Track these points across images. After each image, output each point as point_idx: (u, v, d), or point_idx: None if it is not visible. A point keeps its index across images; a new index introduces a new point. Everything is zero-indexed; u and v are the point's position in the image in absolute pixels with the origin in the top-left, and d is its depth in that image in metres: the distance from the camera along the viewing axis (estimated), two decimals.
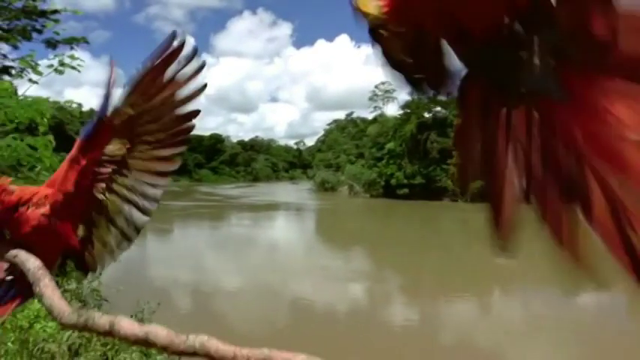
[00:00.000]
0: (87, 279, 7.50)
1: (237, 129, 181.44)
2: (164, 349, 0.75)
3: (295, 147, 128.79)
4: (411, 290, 14.15)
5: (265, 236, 25.82)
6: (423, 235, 27.35)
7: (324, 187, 66.77)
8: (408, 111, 56.96)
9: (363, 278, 15.03)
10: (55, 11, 9.79)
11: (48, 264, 0.98)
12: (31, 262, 0.96)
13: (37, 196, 1.06)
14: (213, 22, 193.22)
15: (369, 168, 59.13)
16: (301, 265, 17.32)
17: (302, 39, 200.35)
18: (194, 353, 0.73)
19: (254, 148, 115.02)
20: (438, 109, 55.70)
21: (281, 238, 25.70)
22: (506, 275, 16.37)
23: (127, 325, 0.79)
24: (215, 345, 0.73)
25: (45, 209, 1.05)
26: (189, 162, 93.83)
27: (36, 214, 1.04)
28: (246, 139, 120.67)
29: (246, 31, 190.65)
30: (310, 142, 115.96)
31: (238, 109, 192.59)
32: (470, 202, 48.62)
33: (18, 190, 1.07)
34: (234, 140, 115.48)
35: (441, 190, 51.33)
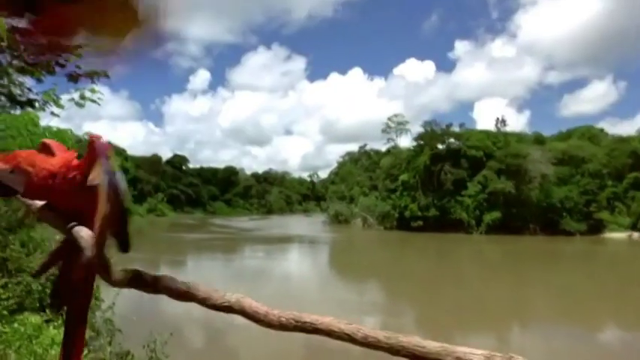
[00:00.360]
0: (100, 309, 7.50)
1: (252, 161, 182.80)
2: (203, 302, 0.85)
3: (309, 179, 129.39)
4: (426, 324, 13.83)
5: (279, 269, 25.63)
6: (438, 268, 26.88)
7: (338, 220, 66.51)
8: (422, 142, 57.14)
9: (377, 311, 14.75)
10: (78, 46, 10.21)
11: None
12: (83, 232, 1.10)
13: (67, 166, 1.17)
14: (229, 57, 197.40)
15: (382, 200, 58.92)
16: (315, 298, 17.09)
17: (316, 72, 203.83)
18: (229, 308, 0.83)
19: (268, 180, 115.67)
20: (452, 140, 55.79)
21: (295, 270, 25.50)
22: (524, 309, 15.96)
23: (171, 281, 0.90)
24: (249, 302, 0.82)
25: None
26: (204, 194, 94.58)
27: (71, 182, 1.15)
28: (260, 171, 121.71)
29: (260, 66, 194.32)
30: (324, 174, 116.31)
31: (252, 142, 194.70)
32: (485, 234, 48.09)
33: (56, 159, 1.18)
34: (248, 173, 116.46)
35: (456, 222, 50.76)
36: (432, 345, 0.73)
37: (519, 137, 56.01)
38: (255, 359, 10.41)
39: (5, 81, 9.59)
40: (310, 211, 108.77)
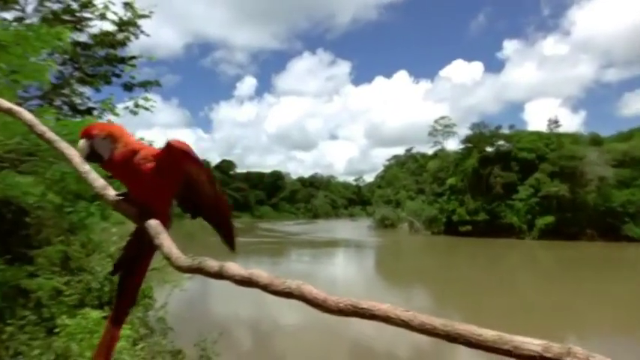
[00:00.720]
0: (154, 308, 7.81)
1: (297, 166, 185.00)
2: (265, 288, 0.88)
3: (354, 183, 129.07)
4: None
5: (325, 273, 25.70)
6: (488, 274, 26.08)
7: (384, 224, 65.93)
8: (470, 145, 55.76)
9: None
10: (133, 57, 10.77)
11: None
12: (152, 220, 1.20)
13: (149, 150, 1.27)
14: (274, 63, 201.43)
15: (429, 204, 57.91)
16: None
17: (360, 76, 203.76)
18: (290, 293, 0.86)
19: (314, 184, 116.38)
20: (501, 142, 54.11)
21: (341, 275, 25.49)
22: (580, 321, 15.22)
23: (234, 268, 0.95)
24: (309, 289, 0.85)
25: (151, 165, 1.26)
26: (251, 199, 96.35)
27: (147, 167, 1.25)
28: (306, 176, 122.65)
29: (305, 71, 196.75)
30: (369, 178, 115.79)
31: (298, 147, 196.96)
32: (537, 240, 46.18)
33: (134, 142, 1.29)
34: (294, 177, 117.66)
35: (506, 227, 49.12)
36: (488, 333, 0.74)
37: (574, 138, 53.42)
38: (299, 358, 10.49)
39: (67, 91, 10.22)
40: (356, 215, 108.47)
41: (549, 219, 46.43)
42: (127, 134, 1.29)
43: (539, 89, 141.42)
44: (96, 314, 5.68)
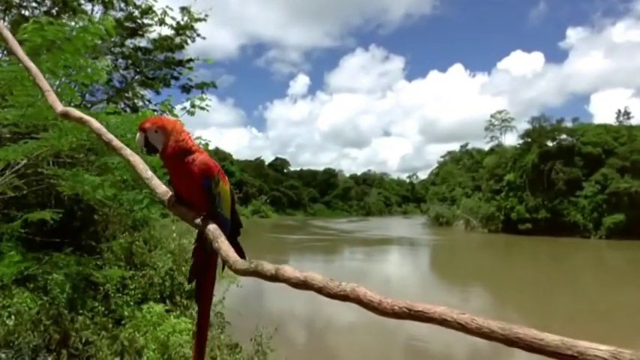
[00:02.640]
0: (211, 303, 8.05)
1: (350, 163, 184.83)
2: (319, 290, 0.89)
3: (408, 180, 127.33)
4: None
5: (379, 271, 25.52)
6: (550, 274, 24.90)
7: (439, 222, 64.62)
8: (529, 140, 53.46)
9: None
10: (190, 60, 11.16)
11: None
12: (211, 225, 1.26)
13: (196, 148, 1.35)
14: (327, 60, 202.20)
15: (486, 201, 56.07)
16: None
17: (414, 71, 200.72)
18: (345, 296, 0.86)
19: (366, 182, 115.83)
20: (564, 136, 51.49)
21: (395, 273, 25.22)
22: None
23: (290, 271, 0.96)
24: (364, 291, 0.86)
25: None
26: (304, 196, 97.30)
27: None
28: (359, 173, 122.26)
29: (358, 68, 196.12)
30: (423, 175, 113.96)
31: (351, 144, 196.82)
32: (605, 239, 43.52)
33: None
34: (347, 175, 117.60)
35: (570, 225, 46.70)
36: (550, 338, 0.70)
37: None
38: (352, 357, 10.47)
39: (130, 94, 10.74)
40: (409, 212, 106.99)
41: (619, 217, 43.62)
42: (181, 130, 1.34)
43: (607, 79, 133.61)
44: (159, 307, 5.94)
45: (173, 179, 1.38)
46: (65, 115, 1.78)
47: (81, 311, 5.53)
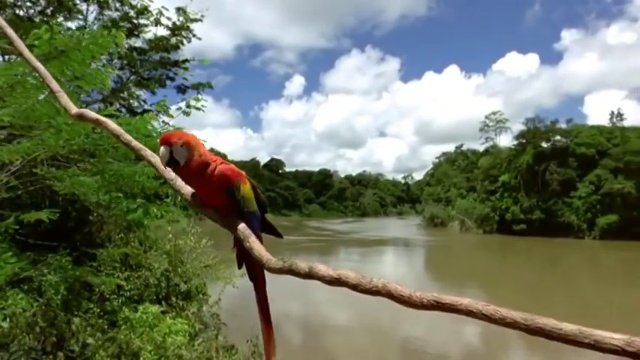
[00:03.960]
0: (207, 304, 8.03)
1: (346, 164, 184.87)
2: (354, 287, 0.93)
3: (403, 181, 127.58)
4: (533, 337, 12.90)
5: (375, 272, 25.41)
6: (545, 275, 25.04)
7: (434, 222, 64.78)
8: (524, 141, 53.72)
9: (478, 320, 14.03)
10: (186, 60, 11.14)
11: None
12: (240, 224, 1.28)
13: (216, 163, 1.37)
14: (323, 61, 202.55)
15: (481, 202, 56.28)
16: None
17: (410, 72, 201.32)
18: (378, 292, 0.91)
19: (362, 182, 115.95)
20: (558, 137, 51.76)
21: (391, 274, 25.24)
22: None
23: (323, 269, 0.99)
24: (394, 286, 0.91)
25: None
26: (299, 197, 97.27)
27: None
28: (354, 174, 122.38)
29: (354, 68, 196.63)
30: (419, 176, 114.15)
31: (347, 145, 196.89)
32: (599, 240, 43.77)
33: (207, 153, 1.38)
34: (343, 175, 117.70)
35: (564, 226, 46.94)
36: (569, 327, 0.76)
37: None
38: (349, 357, 10.46)
39: (125, 94, 10.70)
40: (404, 213, 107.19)
41: (612, 218, 43.90)
42: (201, 144, 1.37)
43: (601, 81, 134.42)
44: (155, 309, 5.91)
45: (195, 189, 1.40)
46: (81, 117, 1.76)
47: (76, 313, 5.50)
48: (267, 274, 1.36)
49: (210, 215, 1.38)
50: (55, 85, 1.86)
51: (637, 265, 29.34)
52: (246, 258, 1.42)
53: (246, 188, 1.39)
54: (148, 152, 1.55)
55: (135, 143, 1.58)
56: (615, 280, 23.52)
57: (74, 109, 1.75)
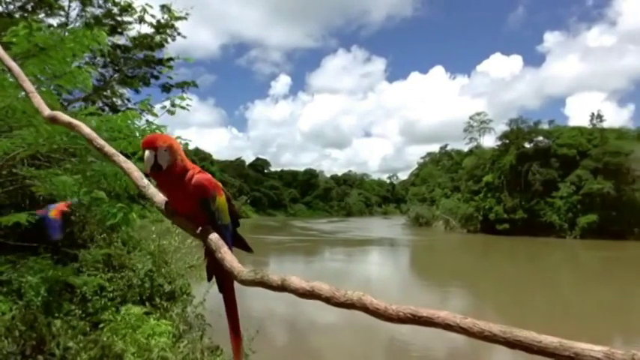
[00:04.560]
0: (192, 305, 7.95)
1: (331, 164, 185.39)
2: (327, 300, 0.91)
3: (388, 181, 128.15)
4: None
5: (359, 272, 25.60)
6: (527, 274, 25.36)
7: (419, 222, 65.18)
8: (507, 141, 54.40)
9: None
10: (170, 59, 11.03)
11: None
12: (213, 235, 1.25)
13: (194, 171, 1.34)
14: (309, 61, 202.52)
15: (465, 202, 56.81)
16: (397, 302, 16.78)
17: (395, 73, 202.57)
18: (352, 305, 0.89)
19: (347, 182, 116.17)
20: (540, 138, 52.52)
21: (375, 274, 25.34)
22: (626, 321, 14.59)
23: (296, 281, 0.97)
24: (369, 300, 0.88)
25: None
26: (285, 197, 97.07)
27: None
28: (340, 173, 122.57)
29: (340, 68, 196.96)
30: (403, 176, 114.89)
31: (332, 145, 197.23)
32: (580, 239, 44.54)
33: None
34: (328, 175, 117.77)
35: (546, 226, 47.65)
36: (548, 340, 0.74)
37: (619, 133, 51.19)
38: (334, 357, 10.47)
39: (108, 93, 10.56)
40: (390, 213, 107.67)
41: (592, 217, 44.69)
42: (180, 149, 1.34)
43: (582, 83, 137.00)
44: (137, 310, 5.82)
45: (169, 196, 1.36)
46: (53, 120, 1.71)
47: (57, 315, 5.39)
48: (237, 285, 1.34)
49: (182, 225, 1.35)
50: (28, 85, 1.82)
51: (615, 263, 29.92)
52: (216, 269, 1.40)
53: (221, 200, 1.36)
54: (121, 158, 1.52)
55: (108, 148, 1.54)
56: (594, 279, 23.95)
57: (47, 111, 1.71)
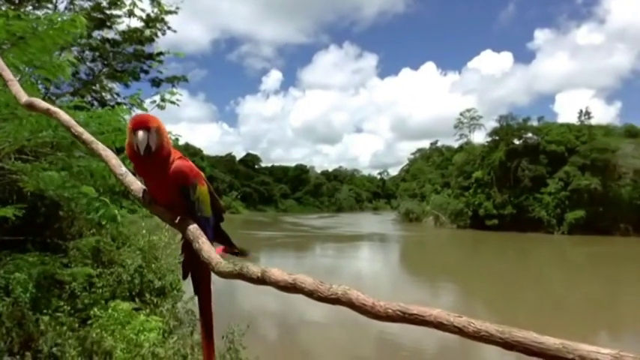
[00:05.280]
0: (182, 300, 7.92)
1: (322, 160, 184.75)
2: (310, 294, 0.85)
3: (379, 177, 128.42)
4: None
5: (350, 267, 25.67)
6: (516, 269, 25.63)
7: (409, 218, 65.43)
8: (496, 138, 54.72)
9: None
10: (160, 53, 10.93)
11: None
12: (191, 225, 1.20)
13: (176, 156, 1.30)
14: (300, 56, 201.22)
15: (455, 198, 57.12)
16: (387, 298, 16.86)
17: (387, 69, 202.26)
18: (337, 300, 0.82)
19: (338, 178, 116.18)
20: (530, 135, 52.92)
21: (366, 269, 25.42)
22: (613, 316, 14.80)
23: (277, 273, 0.91)
24: (356, 294, 0.82)
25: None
26: (275, 192, 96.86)
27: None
28: (331, 169, 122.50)
29: (331, 64, 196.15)
30: (394, 171, 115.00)
31: (323, 141, 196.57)
32: (567, 234, 45.05)
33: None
34: (319, 171, 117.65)
35: (534, 221, 48.08)
36: (550, 341, 0.69)
37: (606, 130, 51.81)
38: (325, 353, 10.51)
39: (98, 87, 10.44)
40: (380, 209, 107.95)
41: (580, 213, 45.19)
42: (166, 131, 1.28)
43: (571, 80, 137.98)
44: (126, 306, 5.78)
45: (148, 183, 1.30)
46: (30, 106, 1.68)
47: (45, 311, 5.33)
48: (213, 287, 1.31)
49: (160, 214, 1.30)
50: (7, 73, 1.78)
51: (602, 259, 30.32)
52: (193, 266, 1.34)
53: (202, 190, 1.30)
54: (99, 145, 1.47)
55: (87, 136, 1.50)
56: (581, 274, 24.24)
57: (24, 98, 1.68)
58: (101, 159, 1.46)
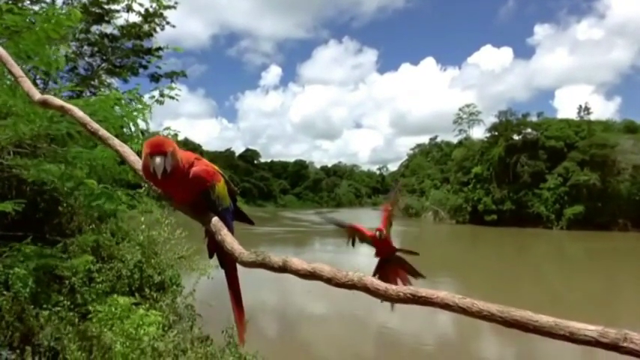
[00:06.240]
0: (181, 295, 7.94)
1: (322, 155, 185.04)
2: (328, 281, 0.92)
3: (378, 172, 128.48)
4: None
5: (350, 262, 25.65)
6: (515, 264, 25.69)
7: (408, 213, 65.48)
8: (496, 133, 54.73)
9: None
10: (159, 48, 10.89)
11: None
12: (213, 218, 1.26)
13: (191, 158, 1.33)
14: (300, 52, 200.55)
15: (454, 193, 57.20)
16: None
17: (386, 64, 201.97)
18: (353, 285, 0.90)
19: (337, 173, 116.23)
20: (529, 130, 52.92)
21: (366, 264, 25.41)
22: (612, 311, 14.86)
23: (297, 262, 0.98)
24: (370, 280, 0.90)
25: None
26: (275, 188, 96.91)
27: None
28: (330, 165, 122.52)
29: (331, 59, 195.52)
30: (393, 167, 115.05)
31: (323, 136, 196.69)
32: (566, 230, 45.12)
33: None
34: (318, 166, 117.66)
35: (533, 217, 48.18)
36: (544, 319, 0.77)
37: (606, 126, 51.91)
38: (324, 347, 10.55)
39: (96, 82, 10.41)
40: (379, 204, 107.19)
41: (579, 208, 45.29)
42: (178, 149, 1.30)
43: (570, 75, 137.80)
44: (125, 300, 5.80)
45: (168, 193, 1.36)
46: (44, 104, 1.68)
47: (45, 306, 5.35)
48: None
49: (181, 208, 1.36)
50: (17, 69, 1.78)
51: (600, 254, 30.39)
52: (218, 247, 1.38)
53: (220, 187, 1.35)
54: (116, 141, 1.49)
55: (102, 132, 1.51)
56: (579, 269, 24.32)
57: (37, 95, 1.68)
58: (119, 154, 1.47)
